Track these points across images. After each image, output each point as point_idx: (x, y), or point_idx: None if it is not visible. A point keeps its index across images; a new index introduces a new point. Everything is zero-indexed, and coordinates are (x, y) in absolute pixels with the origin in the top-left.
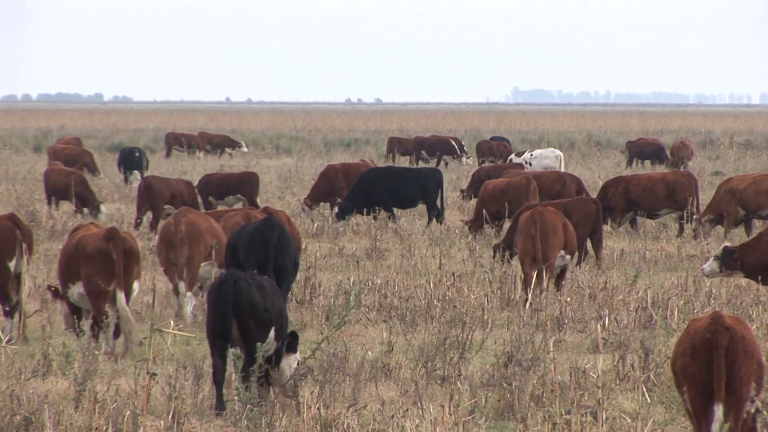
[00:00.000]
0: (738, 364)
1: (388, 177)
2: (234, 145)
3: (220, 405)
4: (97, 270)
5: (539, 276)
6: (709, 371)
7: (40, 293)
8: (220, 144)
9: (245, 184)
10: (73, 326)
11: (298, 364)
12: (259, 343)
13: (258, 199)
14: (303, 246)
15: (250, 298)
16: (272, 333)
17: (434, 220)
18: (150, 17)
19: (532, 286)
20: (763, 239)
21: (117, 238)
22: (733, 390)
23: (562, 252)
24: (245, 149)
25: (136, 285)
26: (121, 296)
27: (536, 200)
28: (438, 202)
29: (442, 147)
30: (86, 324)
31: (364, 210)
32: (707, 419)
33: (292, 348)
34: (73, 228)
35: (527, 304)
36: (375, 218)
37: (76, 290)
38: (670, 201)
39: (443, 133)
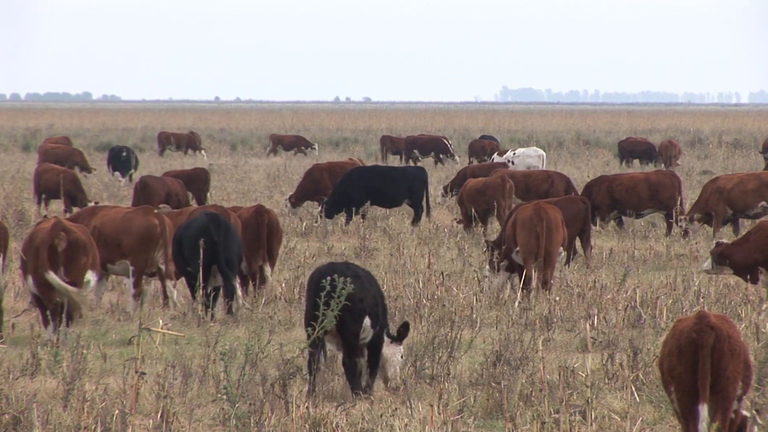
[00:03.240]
0: (724, 363)
1: (373, 176)
2: (308, 145)
3: (312, 390)
4: (41, 262)
5: (536, 273)
6: (695, 371)
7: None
8: (293, 144)
9: (194, 181)
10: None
11: (402, 357)
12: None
13: (209, 195)
14: (292, 245)
15: (350, 293)
16: (367, 321)
17: (421, 218)
18: (139, 16)
19: (530, 283)
20: (750, 238)
21: (59, 230)
22: (720, 390)
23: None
24: (316, 151)
25: (90, 275)
26: (90, 274)
27: (511, 200)
28: (423, 201)
29: (435, 146)
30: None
31: (351, 209)
32: (694, 419)
33: (399, 339)
34: (37, 222)
35: (516, 303)
36: (363, 217)
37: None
38: (654, 201)
39: (432, 132)
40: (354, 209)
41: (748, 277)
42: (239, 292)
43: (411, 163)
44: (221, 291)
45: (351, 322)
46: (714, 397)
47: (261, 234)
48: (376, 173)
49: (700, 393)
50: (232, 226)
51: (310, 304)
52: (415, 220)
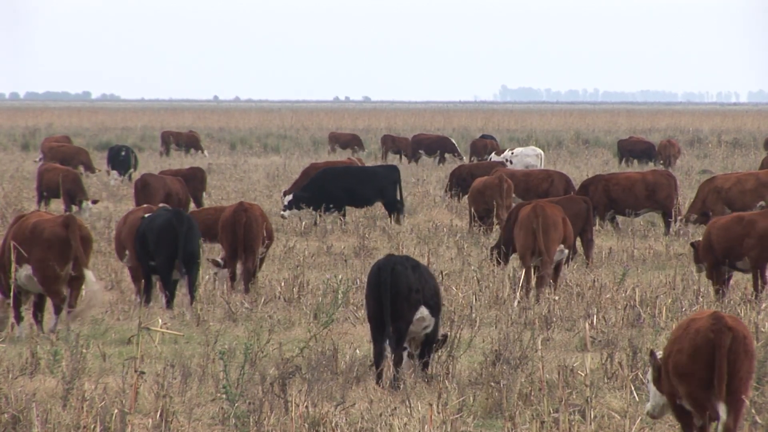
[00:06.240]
0: (739, 364)
1: (344, 176)
2: (361, 145)
3: (380, 381)
4: (53, 255)
5: (535, 271)
6: (709, 370)
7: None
8: (348, 143)
9: (191, 180)
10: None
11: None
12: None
13: (205, 195)
14: (291, 244)
15: (407, 283)
16: (425, 311)
17: (397, 216)
18: (138, 16)
19: (529, 282)
20: (705, 235)
21: (74, 225)
22: (734, 389)
23: (561, 246)
24: (362, 153)
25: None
26: (89, 274)
27: (510, 199)
28: (398, 200)
29: (442, 145)
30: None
31: (321, 207)
32: (705, 416)
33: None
34: (19, 215)
35: (516, 303)
36: (343, 215)
37: (24, 272)
38: (651, 201)
39: (431, 131)
40: (324, 208)
41: (716, 274)
42: (184, 289)
43: (394, 161)
44: (182, 282)
45: (406, 310)
46: (728, 396)
47: (238, 232)
48: (347, 174)
49: (717, 392)
50: (195, 223)
51: (371, 298)
52: (397, 218)
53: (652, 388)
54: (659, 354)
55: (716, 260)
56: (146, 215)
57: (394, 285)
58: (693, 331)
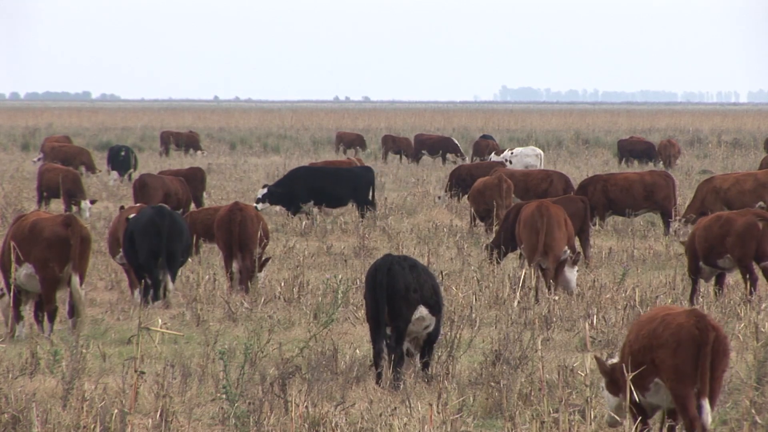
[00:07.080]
0: (718, 360)
1: (318, 176)
2: (364, 146)
3: (380, 381)
4: (53, 255)
5: (539, 271)
6: (692, 364)
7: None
8: (352, 142)
9: (190, 181)
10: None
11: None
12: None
13: (205, 194)
14: (291, 244)
15: (404, 283)
16: (424, 310)
17: (366, 214)
18: (138, 15)
19: (543, 279)
20: (691, 235)
21: (74, 225)
22: (712, 379)
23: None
24: (363, 153)
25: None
26: (75, 279)
27: (510, 199)
28: (370, 200)
29: (445, 146)
30: (26, 310)
31: (291, 206)
32: (689, 410)
33: None
34: (19, 215)
35: (516, 303)
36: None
37: (24, 272)
38: (649, 201)
39: (431, 131)
40: (295, 206)
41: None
42: (170, 286)
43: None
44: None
45: (404, 309)
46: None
47: (233, 231)
48: (321, 174)
49: (701, 388)
50: (179, 220)
51: (369, 299)
52: (362, 217)
53: (606, 394)
54: (614, 360)
55: (696, 259)
56: (131, 216)
57: (391, 285)
58: (675, 326)
